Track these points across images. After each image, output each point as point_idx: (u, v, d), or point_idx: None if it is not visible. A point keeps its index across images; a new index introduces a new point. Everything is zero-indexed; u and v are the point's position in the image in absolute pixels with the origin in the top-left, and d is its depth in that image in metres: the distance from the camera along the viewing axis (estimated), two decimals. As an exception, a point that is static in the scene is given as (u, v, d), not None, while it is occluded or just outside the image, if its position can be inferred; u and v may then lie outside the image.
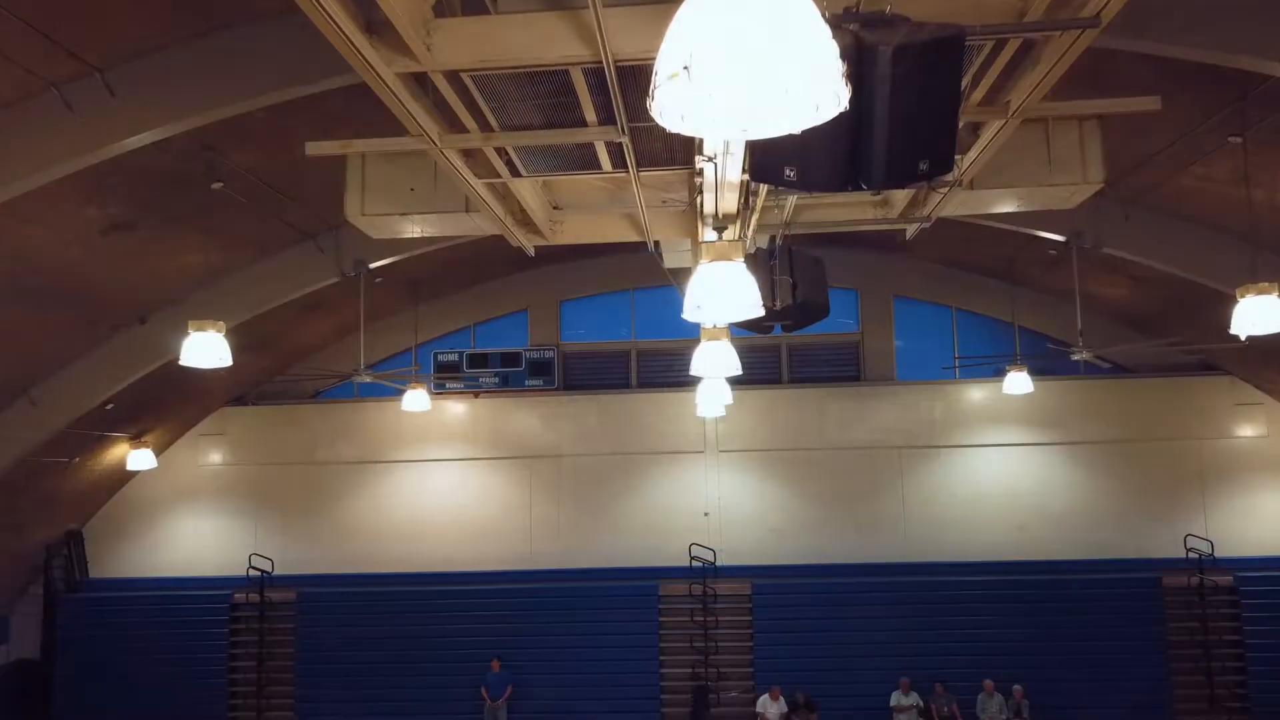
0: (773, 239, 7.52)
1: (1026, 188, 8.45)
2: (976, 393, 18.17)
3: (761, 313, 5.97)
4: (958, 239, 16.94)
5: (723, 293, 5.85)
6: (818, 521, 17.92)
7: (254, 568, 17.91)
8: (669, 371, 18.40)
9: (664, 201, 8.09)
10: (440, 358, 18.76)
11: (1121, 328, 17.13)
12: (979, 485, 17.89)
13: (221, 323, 10.31)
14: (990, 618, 16.92)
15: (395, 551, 18.23)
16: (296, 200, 12.70)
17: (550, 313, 19.09)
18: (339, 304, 16.18)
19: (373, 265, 14.30)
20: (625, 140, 5.43)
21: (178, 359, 10.70)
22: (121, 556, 18.72)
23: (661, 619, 17.53)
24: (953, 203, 8.27)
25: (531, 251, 8.69)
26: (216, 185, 11.41)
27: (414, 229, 8.99)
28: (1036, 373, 16.60)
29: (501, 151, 6.32)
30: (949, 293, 18.57)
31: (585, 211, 8.19)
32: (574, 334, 19.20)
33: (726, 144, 4.67)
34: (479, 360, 18.65)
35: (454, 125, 5.81)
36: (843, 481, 18.03)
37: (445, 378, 18.44)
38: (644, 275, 17.74)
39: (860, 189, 3.43)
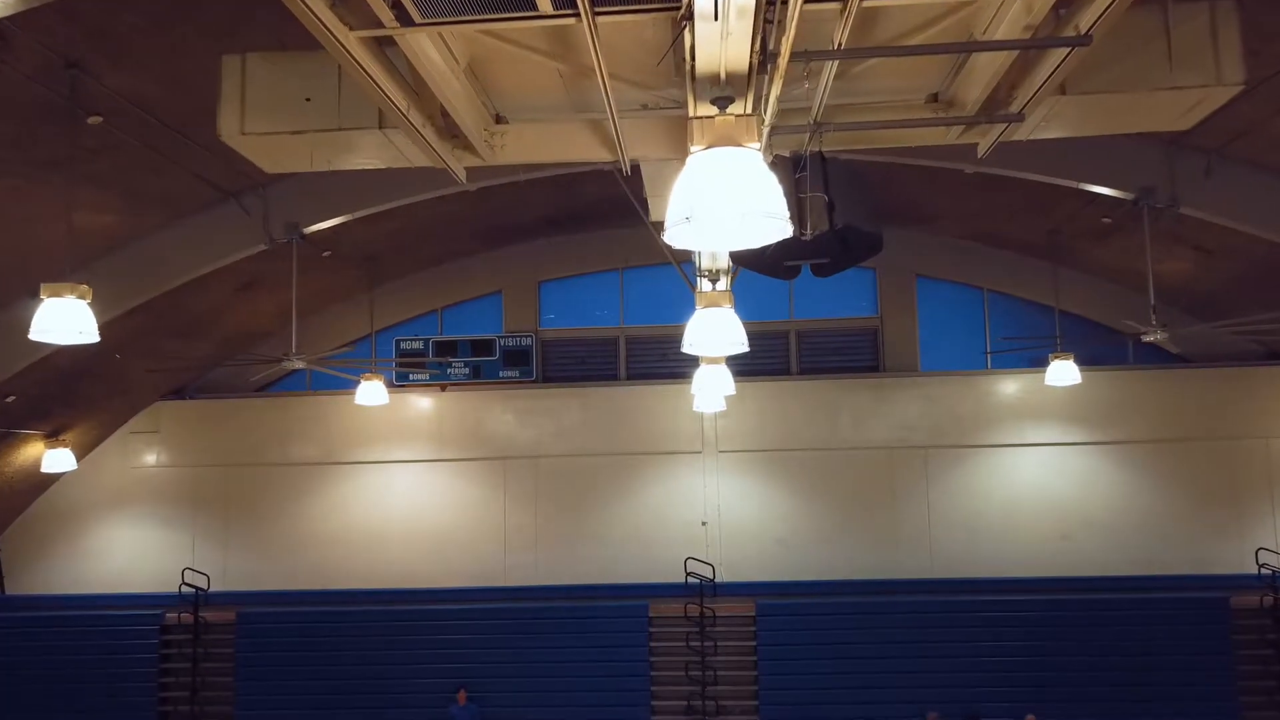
0: (794, 153, 5.32)
1: (1138, 93, 6.24)
2: (1012, 385, 16.05)
3: (789, 232, 3.76)
4: (990, 210, 14.89)
5: (726, 196, 3.62)
6: (831, 532, 15.84)
7: (187, 584, 15.71)
8: (662, 361, 16.42)
9: (644, 106, 5.87)
10: (403, 345, 16.65)
11: (1179, 311, 14.93)
12: (1015, 490, 15.76)
13: (85, 287, 8.12)
14: (1030, 643, 14.84)
15: (349, 565, 16.13)
16: (208, 148, 10.44)
17: (527, 295, 16.95)
18: (283, 281, 14.00)
19: (307, 230, 12.12)
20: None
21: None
22: (42, 570, 16.59)
23: (652, 644, 15.44)
24: (1043, 109, 6.08)
25: (462, 177, 6.46)
26: (94, 119, 9.21)
27: (312, 156, 6.76)
28: (1079, 362, 14.46)
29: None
30: (980, 272, 16.45)
31: (536, 120, 5.97)
32: (555, 319, 17.04)
33: None
34: (447, 348, 16.55)
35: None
36: (859, 486, 15.94)
37: (409, 367, 16.32)
38: (634, 252, 16.00)
39: None
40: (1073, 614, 14.87)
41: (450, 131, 6.01)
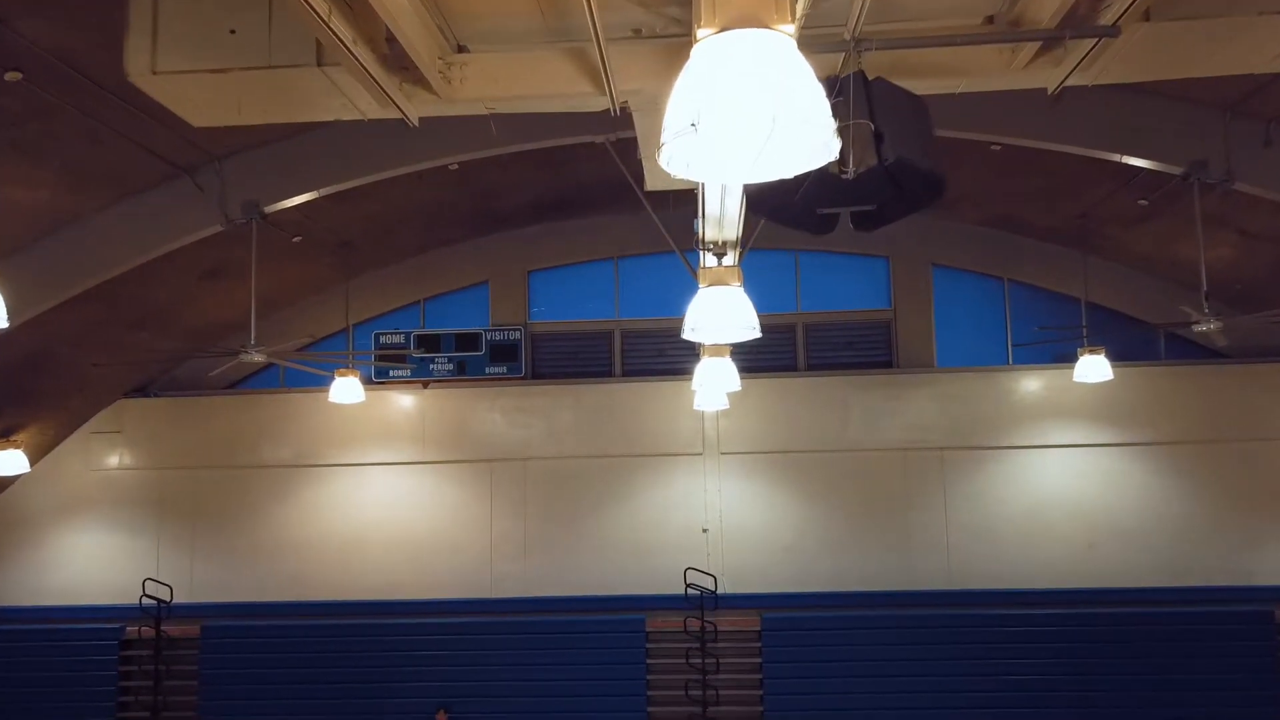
0: (830, 77, 4.25)
1: (1231, 18, 5.17)
2: (1035, 381, 14.99)
3: (834, 152, 2.69)
4: (1014, 194, 13.83)
5: (747, 94, 2.54)
6: (840, 540, 14.78)
7: (149, 596, 14.66)
8: (660, 356, 15.39)
9: (636, 31, 4.78)
10: (383, 339, 15.57)
11: (1217, 302, 13.87)
12: (1039, 495, 14.70)
13: (-9, 265, 7.02)
14: (1054, 660, 13.95)
15: (323, 575, 15.04)
16: (154, 115, 9.33)
17: (516, 285, 15.86)
18: (250, 269, 12.94)
19: (269, 209, 11.02)
20: None
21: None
22: (-3, 581, 15.52)
23: (650, 660, 14.54)
24: (1117, 43, 4.98)
25: (414, 119, 5.37)
26: (12, 75, 8.14)
27: (241, 102, 5.67)
28: (1107, 357, 13.46)
29: None
30: (1000, 261, 15.39)
31: (503, 48, 4.89)
32: (545, 311, 15.98)
33: None
34: (430, 342, 15.47)
35: None
36: (871, 490, 14.88)
37: (388, 362, 15.25)
38: (630, 240, 14.95)
39: None
40: (1101, 628, 13.96)
41: (400, 64, 4.93)
